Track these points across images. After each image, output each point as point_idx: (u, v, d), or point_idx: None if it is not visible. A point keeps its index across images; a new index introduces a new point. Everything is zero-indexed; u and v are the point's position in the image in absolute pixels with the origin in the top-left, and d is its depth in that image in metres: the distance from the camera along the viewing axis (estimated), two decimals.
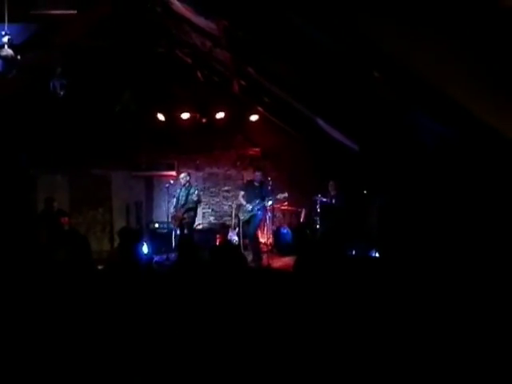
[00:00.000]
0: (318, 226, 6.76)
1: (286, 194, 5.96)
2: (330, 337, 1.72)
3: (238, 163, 8.34)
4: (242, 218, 6.18)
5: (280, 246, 7.07)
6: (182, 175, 6.64)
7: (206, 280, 2.24)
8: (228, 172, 8.42)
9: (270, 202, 6.02)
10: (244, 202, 6.06)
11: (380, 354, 1.60)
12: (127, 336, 1.74)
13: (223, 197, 8.43)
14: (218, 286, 2.15)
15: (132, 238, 3.18)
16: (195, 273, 2.43)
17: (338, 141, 6.35)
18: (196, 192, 6.33)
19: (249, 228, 6.04)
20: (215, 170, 8.43)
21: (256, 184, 6.06)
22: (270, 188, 5.94)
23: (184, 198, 6.42)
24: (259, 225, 6.10)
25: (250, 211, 5.97)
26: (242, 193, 6.19)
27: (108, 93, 6.65)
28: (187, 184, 6.54)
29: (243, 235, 6.34)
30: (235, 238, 7.07)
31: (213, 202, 8.42)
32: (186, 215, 6.37)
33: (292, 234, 6.97)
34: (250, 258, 5.99)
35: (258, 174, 6.08)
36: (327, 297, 1.97)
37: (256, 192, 5.96)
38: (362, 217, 6.24)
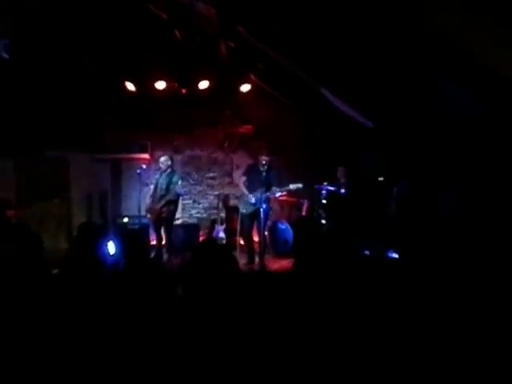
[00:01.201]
0: (323, 221, 6.91)
1: (301, 185, 5.95)
2: (339, 356, 1.74)
3: (226, 144, 8.36)
4: (242, 210, 6.19)
5: (277, 244, 7.15)
6: (163, 159, 6.55)
7: (187, 288, 2.24)
8: (213, 155, 8.44)
9: (278, 194, 6.07)
10: (246, 192, 6.10)
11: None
12: (83, 353, 1.75)
13: (207, 185, 8.45)
14: (202, 294, 2.16)
15: (95, 235, 3.16)
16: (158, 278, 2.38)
17: (348, 116, 6.36)
18: (180, 182, 6.29)
19: (250, 224, 6.13)
20: (197, 152, 8.45)
21: (262, 169, 6.05)
22: (273, 177, 6.03)
23: (164, 188, 6.38)
24: (266, 222, 6.16)
25: (253, 204, 6.01)
26: (244, 178, 6.24)
27: (64, 57, 6.47)
28: (169, 170, 6.47)
29: (241, 233, 6.41)
30: (222, 237, 7.22)
31: (195, 192, 8.44)
32: (164, 209, 6.33)
33: (292, 231, 6.94)
34: (242, 260, 6.12)
35: (264, 157, 6.00)
36: (334, 308, 1.99)
37: (261, 180, 5.99)
38: (377, 209, 6.32)
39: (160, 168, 6.49)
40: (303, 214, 7.47)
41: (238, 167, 8.01)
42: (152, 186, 6.47)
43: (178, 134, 8.23)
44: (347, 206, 6.55)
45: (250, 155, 7.90)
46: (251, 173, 6.18)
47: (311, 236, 6.91)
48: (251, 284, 2.42)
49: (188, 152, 8.43)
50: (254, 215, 6.02)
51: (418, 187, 5.47)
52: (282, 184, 6.00)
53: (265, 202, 5.91)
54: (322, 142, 7.72)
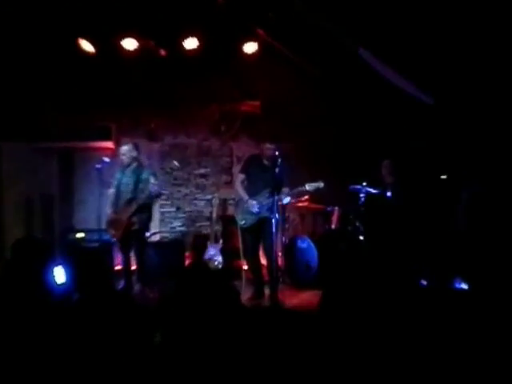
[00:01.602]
0: (361, 238, 7.06)
1: (322, 184, 5.97)
2: None
3: (223, 128, 8.45)
4: (240, 222, 6.30)
5: (296, 271, 7.30)
6: (125, 148, 6.53)
7: (168, 333, 2.31)
8: (205, 143, 8.53)
9: (288, 199, 6.19)
10: (245, 196, 6.23)
11: None
12: None
13: (197, 186, 8.54)
14: (188, 342, 2.20)
15: (36, 256, 3.16)
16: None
17: (397, 88, 6.41)
18: (153, 179, 6.30)
19: (254, 242, 6.30)
20: (183, 139, 8.54)
21: (266, 163, 6.20)
22: (284, 172, 6.08)
23: (131, 189, 6.43)
24: (277, 238, 6.21)
25: (255, 213, 6.16)
26: (242, 177, 6.38)
27: None
28: (135, 164, 6.49)
29: (244, 254, 6.59)
30: (218, 259, 7.34)
31: (179, 196, 8.53)
32: (134, 219, 6.36)
33: (316, 251, 7.07)
34: (247, 293, 6.20)
35: (270, 146, 6.09)
36: (376, 364, 2.06)
37: (267, 178, 6.12)
38: (439, 221, 6.37)
39: (122, 162, 6.50)
40: (332, 226, 7.57)
41: (239, 160, 8.13)
42: (112, 190, 6.50)
43: (155, 113, 8.33)
44: (396, 216, 6.61)
45: (257, 143, 7.91)
46: (252, 168, 6.31)
47: (344, 259, 6.96)
48: (259, 327, 2.42)
49: (169, 139, 8.51)
50: (259, 229, 6.15)
51: (498, 190, 5.54)
52: (297, 184, 6.08)
53: (273, 210, 5.99)
54: (357, 125, 7.78)
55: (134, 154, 6.51)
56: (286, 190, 5.99)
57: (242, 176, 6.35)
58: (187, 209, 8.50)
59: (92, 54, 7.41)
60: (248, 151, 7.59)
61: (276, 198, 5.92)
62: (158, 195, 6.41)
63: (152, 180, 6.28)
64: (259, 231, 6.14)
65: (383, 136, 7.36)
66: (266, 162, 6.16)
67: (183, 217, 8.50)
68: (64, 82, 7.86)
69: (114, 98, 8.02)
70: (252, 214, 6.11)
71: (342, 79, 7.46)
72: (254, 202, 6.06)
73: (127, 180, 6.45)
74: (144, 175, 6.40)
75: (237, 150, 8.47)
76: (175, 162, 6.87)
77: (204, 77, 8.06)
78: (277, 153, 5.98)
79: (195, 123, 8.45)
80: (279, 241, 7.43)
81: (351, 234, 7.15)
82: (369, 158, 7.20)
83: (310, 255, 7.14)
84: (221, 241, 7.55)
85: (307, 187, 5.91)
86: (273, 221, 5.89)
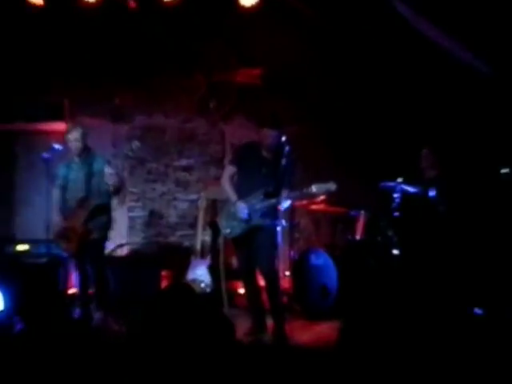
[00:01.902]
0: (395, 251, 7.07)
1: (334, 186, 5.90)
2: None
3: (212, 104, 8.49)
4: (225, 231, 6.36)
5: (308, 295, 7.33)
6: (73, 135, 6.45)
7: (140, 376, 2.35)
8: (188, 125, 8.62)
9: (287, 204, 6.24)
10: (233, 195, 6.27)
11: None
12: None
13: (177, 182, 8.63)
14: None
15: None
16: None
17: (442, 53, 6.42)
18: (108, 169, 6.26)
19: (247, 258, 6.33)
20: (159, 119, 8.61)
21: (266, 155, 6.24)
22: (291, 167, 6.15)
23: (81, 186, 6.46)
24: (274, 251, 6.29)
25: (244, 220, 6.15)
26: (232, 170, 6.41)
27: None
28: (85, 152, 6.47)
29: (240, 273, 6.57)
30: (205, 280, 7.43)
31: (153, 196, 8.62)
32: (91, 225, 6.35)
33: (335, 269, 7.10)
34: (244, 325, 6.21)
35: (271, 132, 6.09)
36: None
37: (265, 174, 6.19)
38: (499, 229, 6.39)
39: (71, 149, 6.47)
40: (357, 237, 7.59)
41: (234, 148, 8.16)
42: (57, 191, 6.57)
43: (121, 85, 8.36)
44: (442, 224, 6.63)
45: (258, 126, 7.93)
46: (247, 160, 6.32)
47: (373, 280, 6.98)
48: (259, 370, 2.42)
49: (141, 120, 8.58)
50: (250, 241, 6.17)
51: None
52: (305, 183, 6.04)
53: (270, 216, 6.08)
54: (389, 101, 7.84)
55: (80, 138, 6.42)
56: (284, 192, 6.02)
57: (231, 169, 6.36)
58: (164, 213, 8.53)
59: (39, 5, 7.34)
60: (246, 136, 7.44)
61: (274, 201, 6.02)
62: (119, 188, 6.42)
63: (107, 170, 6.25)
64: (251, 244, 6.18)
65: (424, 116, 7.42)
66: (265, 154, 6.18)
67: (159, 223, 8.53)
68: (3, 42, 7.88)
69: (68, 65, 8.05)
70: (240, 220, 6.12)
71: (371, 40, 7.45)
72: (244, 205, 6.07)
73: (75, 175, 6.45)
74: (97, 165, 6.39)
75: (230, 135, 8.51)
76: (136, 143, 6.79)
77: (187, 37, 8.08)
78: (283, 139, 6.01)
79: (175, 98, 8.49)
80: (285, 256, 7.53)
81: (382, 246, 7.18)
82: (405, 145, 7.26)
83: (328, 275, 7.16)
84: (209, 255, 7.59)
85: (314, 189, 5.87)
86: (269, 230, 6.03)
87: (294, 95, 8.00)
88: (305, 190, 5.94)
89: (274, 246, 6.18)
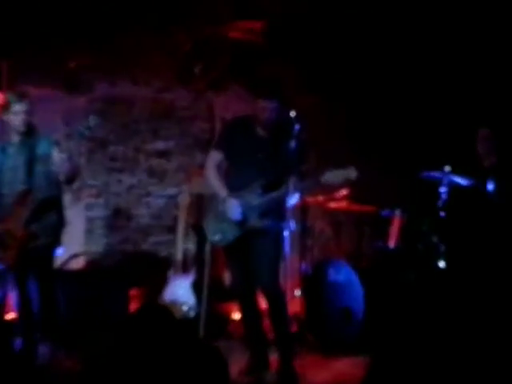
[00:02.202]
0: (441, 263, 7.20)
1: (354, 173, 5.85)
2: None
3: (198, 68, 8.53)
4: (213, 237, 6.41)
5: (325, 323, 7.40)
6: (20, 106, 6.38)
7: None
8: (166, 96, 8.72)
9: (295, 198, 6.38)
10: (221, 190, 6.32)
11: None
12: None
13: (151, 172, 8.73)
14: None
15: None
16: None
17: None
18: (57, 153, 6.21)
19: (242, 272, 6.40)
20: (127, 89, 8.70)
21: (262, 134, 6.28)
22: (301, 151, 6.19)
23: (21, 177, 6.44)
24: (278, 262, 6.36)
25: (237, 221, 6.19)
26: (218, 156, 6.45)
27: None
28: (28, 132, 6.47)
29: (235, 292, 6.64)
30: (188, 301, 7.57)
31: (119, 190, 8.70)
32: (34, 227, 6.33)
33: (362, 288, 7.17)
34: (241, 362, 6.25)
35: (269, 104, 6.10)
36: None
37: (260, 161, 6.23)
38: None
39: (10, 128, 6.45)
40: (391, 244, 7.69)
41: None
42: None
43: (78, 44, 8.38)
44: (503, 227, 6.70)
45: (252, 95, 7.92)
46: (238, 141, 6.37)
47: (412, 300, 7.04)
48: None
49: (103, 88, 8.64)
50: (247, 250, 6.23)
51: None
52: (316, 173, 6.07)
53: (273, 216, 6.13)
54: (431, 67, 7.94)
55: (23, 110, 6.39)
56: (290, 182, 6.08)
57: (217, 155, 6.41)
58: (134, 212, 8.61)
59: None
60: (242, 111, 7.28)
61: (275, 195, 6.05)
62: (73, 178, 6.41)
63: (56, 154, 6.21)
64: (248, 254, 6.23)
65: (479, 86, 7.55)
66: (261, 133, 6.22)
67: (127, 226, 8.59)
68: None
69: (8, 18, 8.05)
70: (232, 222, 6.15)
71: None
72: (236, 202, 6.11)
73: (13, 162, 6.40)
74: (42, 148, 6.33)
75: (222, 110, 8.59)
76: (95, 119, 6.67)
77: None
78: (291, 115, 6.07)
79: (148, 61, 8.56)
80: (295, 269, 7.61)
81: (423, 257, 7.27)
82: (454, 123, 7.44)
83: (351, 295, 7.22)
84: (193, 269, 7.68)
85: (328, 177, 5.86)
86: (272, 234, 6.08)
87: (305, 57, 8.10)
88: (316, 179, 5.94)
89: (279, 255, 6.26)
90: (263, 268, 6.08)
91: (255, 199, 6.03)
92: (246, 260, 6.23)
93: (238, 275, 6.36)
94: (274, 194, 5.98)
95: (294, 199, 6.28)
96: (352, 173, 5.78)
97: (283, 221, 6.24)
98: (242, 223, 6.07)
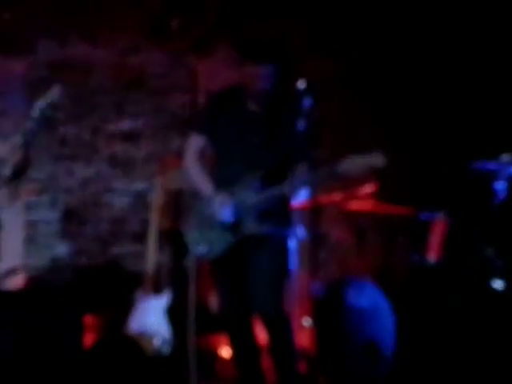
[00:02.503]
0: (497, 284, 7.25)
1: (380, 159, 5.81)
2: None
3: (176, 23, 8.62)
4: (199, 248, 6.34)
5: (343, 360, 7.48)
6: None
7: None
8: (133, 59, 8.75)
9: (304, 193, 6.22)
10: (205, 185, 6.42)
11: None
12: None
13: (112, 161, 8.79)
14: None
15: None
16: None
17: None
18: None
19: (237, 292, 6.43)
20: (80, 48, 8.68)
21: (255, 112, 6.31)
22: (311, 132, 6.04)
23: None
24: (282, 281, 6.36)
25: (231, 223, 6.21)
26: (199, 141, 6.51)
27: None
28: None
29: (225, 320, 6.68)
30: (161, 332, 7.66)
31: (69, 184, 8.74)
32: None
33: (392, 315, 7.25)
34: None
35: (261, 70, 6.05)
36: None
37: (254, 146, 6.27)
38: None
39: None
40: (430, 257, 7.71)
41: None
42: None
43: None
44: None
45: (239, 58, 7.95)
46: (223, 122, 6.41)
47: (456, 333, 7.12)
48: None
49: (49, 49, 8.63)
50: (242, 264, 6.28)
51: None
52: (332, 161, 6.01)
53: (276, 218, 6.15)
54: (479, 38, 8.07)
55: None
56: (298, 172, 6.09)
57: (199, 140, 6.48)
58: (90, 214, 8.66)
59: None
60: (235, 81, 7.52)
61: (278, 190, 6.03)
62: (22, 169, 6.43)
63: None
64: (243, 270, 6.28)
65: None
66: (255, 109, 6.27)
67: (80, 233, 8.63)
68: None
69: None
70: (221, 228, 6.19)
71: None
72: (227, 200, 6.13)
73: None
74: None
75: (208, 78, 8.65)
76: (55, 90, 6.68)
77: None
78: (301, 86, 5.90)
79: (110, 14, 8.62)
80: (304, 290, 7.59)
81: (474, 274, 7.33)
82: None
83: (378, 324, 7.30)
84: (169, 289, 7.79)
85: (345, 166, 5.80)
86: (274, 243, 6.08)
87: (319, 10, 8.20)
88: (332, 169, 5.87)
89: (284, 272, 6.26)
90: (262, 288, 6.07)
91: (251, 197, 6.03)
92: (239, 278, 6.26)
93: (229, 298, 6.38)
94: (276, 190, 5.96)
95: (301, 197, 6.23)
96: (378, 160, 5.72)
97: (288, 226, 6.25)
98: (234, 228, 6.08)
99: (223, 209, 6.04)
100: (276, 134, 6.09)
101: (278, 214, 6.09)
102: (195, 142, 6.41)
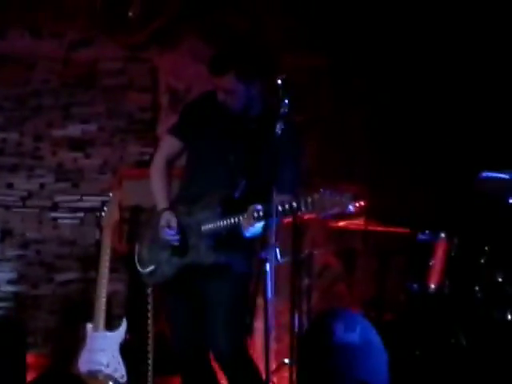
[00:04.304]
0: (510, 316, 7.14)
1: (349, 204, 5.50)
2: None
3: (133, 10, 8.31)
4: (145, 269, 6.30)
5: None
6: None
7: None
8: (83, 53, 8.51)
9: (257, 228, 5.97)
10: (161, 200, 6.29)
11: None
12: None
13: (59, 172, 8.47)
14: None
15: None
16: None
17: None
18: None
19: (189, 323, 6.29)
20: (21, 40, 8.42)
21: (234, 121, 6.14)
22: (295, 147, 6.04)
23: None
24: (240, 314, 6.23)
25: (176, 247, 6.13)
26: (174, 145, 6.41)
27: None
28: None
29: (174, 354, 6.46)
30: (116, 371, 7.50)
31: (6, 200, 8.57)
32: None
33: (385, 353, 6.96)
34: None
35: (225, 80, 5.91)
36: None
37: (230, 164, 6.14)
38: None
39: None
40: (432, 285, 7.48)
41: (178, 105, 8.20)
42: None
43: None
44: None
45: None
46: (200, 134, 6.29)
47: (463, 375, 7.01)
48: None
49: None
50: (192, 292, 6.18)
51: None
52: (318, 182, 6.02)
53: (233, 250, 5.95)
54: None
55: None
56: (283, 198, 5.67)
57: (174, 143, 6.36)
58: (32, 235, 8.38)
59: None
60: (205, 79, 7.11)
61: (234, 221, 5.79)
62: None
63: None
64: (195, 299, 6.16)
65: None
66: (234, 119, 6.10)
67: (21, 257, 8.31)
68: None
69: None
70: (171, 248, 6.07)
71: None
72: (174, 219, 6.03)
73: None
74: None
75: (171, 75, 8.48)
76: None
77: None
78: (278, 82, 5.52)
79: (55, 1, 8.33)
80: (282, 324, 7.71)
81: (483, 304, 7.15)
82: None
83: (370, 363, 7.02)
84: (124, 321, 7.53)
85: (310, 202, 5.46)
86: (231, 275, 5.95)
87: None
88: (293, 205, 5.55)
89: (242, 304, 6.19)
90: (217, 324, 5.98)
91: (208, 220, 5.85)
92: (190, 308, 6.20)
93: (180, 332, 6.21)
94: (233, 220, 5.71)
95: (255, 230, 5.78)
96: (346, 203, 5.36)
97: (250, 254, 6.00)
98: (182, 252, 6.03)
99: (168, 229, 5.98)
100: (259, 155, 5.87)
101: (239, 242, 5.80)
102: (169, 145, 6.34)
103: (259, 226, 5.70)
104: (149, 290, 7.20)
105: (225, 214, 5.76)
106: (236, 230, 5.74)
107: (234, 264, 5.88)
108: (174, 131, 6.30)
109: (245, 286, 6.09)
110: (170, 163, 6.25)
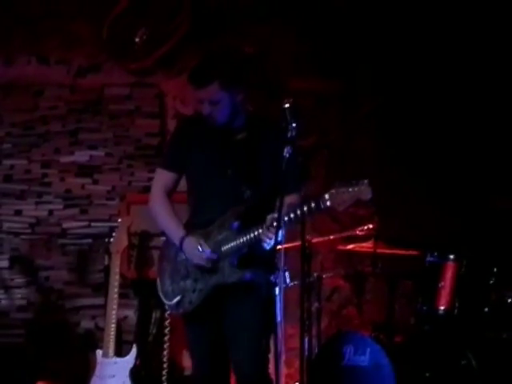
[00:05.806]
0: None
1: (367, 190, 5.64)
2: None
3: (141, 35, 8.48)
4: (170, 301, 6.34)
5: None
6: None
7: None
8: (89, 79, 8.59)
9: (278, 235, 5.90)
10: (177, 229, 6.31)
11: None
12: None
13: (67, 198, 8.56)
14: None
15: None
16: None
17: None
18: None
19: (213, 351, 6.30)
20: (27, 67, 8.49)
21: (227, 137, 6.21)
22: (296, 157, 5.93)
23: None
24: (266, 339, 6.20)
25: (209, 268, 6.09)
26: (166, 178, 6.44)
27: None
28: None
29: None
30: None
31: (15, 226, 8.60)
32: None
33: (393, 377, 7.17)
34: None
35: (201, 91, 6.02)
36: None
37: (232, 177, 6.20)
38: None
39: None
40: (440, 308, 7.55)
41: None
42: None
43: None
44: None
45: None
46: (195, 154, 6.39)
47: None
48: None
49: None
50: (219, 317, 6.20)
51: None
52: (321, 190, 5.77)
53: (258, 263, 5.98)
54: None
55: None
56: (291, 199, 5.89)
57: (165, 176, 6.43)
58: (40, 261, 8.40)
59: None
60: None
61: (258, 233, 5.82)
62: None
63: None
64: (220, 324, 6.17)
65: None
66: (227, 135, 6.20)
67: (29, 283, 8.41)
68: None
69: None
70: (195, 275, 6.12)
71: None
72: (202, 243, 6.02)
73: None
74: None
75: (180, 102, 8.50)
76: None
77: None
78: (285, 105, 5.57)
79: (63, 27, 8.46)
80: (292, 347, 7.56)
81: (493, 327, 7.27)
82: None
83: None
84: (134, 347, 7.53)
85: (330, 198, 5.55)
86: (256, 292, 5.96)
87: (315, 18, 8.12)
88: (315, 203, 5.59)
89: (268, 326, 5.94)
90: (243, 349, 5.98)
91: (229, 239, 5.89)
92: (215, 333, 6.16)
93: (203, 357, 6.22)
94: (256, 232, 5.77)
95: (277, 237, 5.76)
96: (365, 191, 5.54)
97: (274, 271, 5.70)
98: (209, 276, 6.01)
99: (196, 254, 5.94)
100: (255, 163, 6.04)
101: (262, 257, 5.84)
102: (161, 179, 6.41)
103: (280, 234, 5.62)
104: (157, 315, 7.38)
105: (242, 230, 5.84)
106: (256, 244, 5.82)
107: (259, 281, 5.90)
108: (164, 164, 6.43)
109: (271, 306, 5.73)
110: (168, 194, 6.26)
